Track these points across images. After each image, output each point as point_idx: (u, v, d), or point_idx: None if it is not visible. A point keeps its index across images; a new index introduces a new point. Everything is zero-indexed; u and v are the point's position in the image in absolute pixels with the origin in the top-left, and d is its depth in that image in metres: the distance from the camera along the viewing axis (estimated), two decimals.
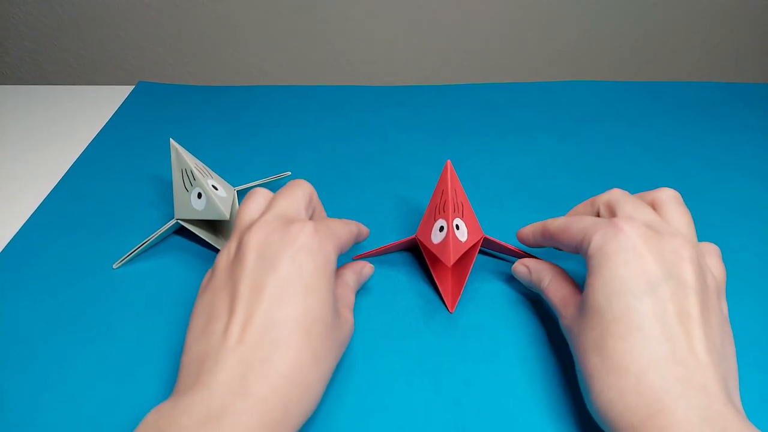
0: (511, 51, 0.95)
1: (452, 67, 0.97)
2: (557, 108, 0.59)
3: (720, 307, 0.28)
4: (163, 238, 0.40)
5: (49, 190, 0.47)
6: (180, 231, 0.42)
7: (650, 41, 0.95)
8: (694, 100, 0.60)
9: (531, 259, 0.36)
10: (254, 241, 0.27)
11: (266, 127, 0.55)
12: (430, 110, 0.59)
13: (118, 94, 0.62)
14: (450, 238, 0.33)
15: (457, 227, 0.35)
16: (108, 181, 0.48)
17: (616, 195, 0.31)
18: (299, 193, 0.31)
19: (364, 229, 0.35)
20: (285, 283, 0.26)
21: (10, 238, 0.41)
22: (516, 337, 0.34)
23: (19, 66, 0.96)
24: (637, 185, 0.47)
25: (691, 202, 0.45)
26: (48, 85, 0.65)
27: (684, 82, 0.64)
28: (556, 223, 0.32)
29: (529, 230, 0.35)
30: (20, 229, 0.42)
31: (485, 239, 0.37)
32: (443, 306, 0.36)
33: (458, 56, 0.96)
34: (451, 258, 0.33)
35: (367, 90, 0.62)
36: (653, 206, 0.31)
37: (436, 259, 0.37)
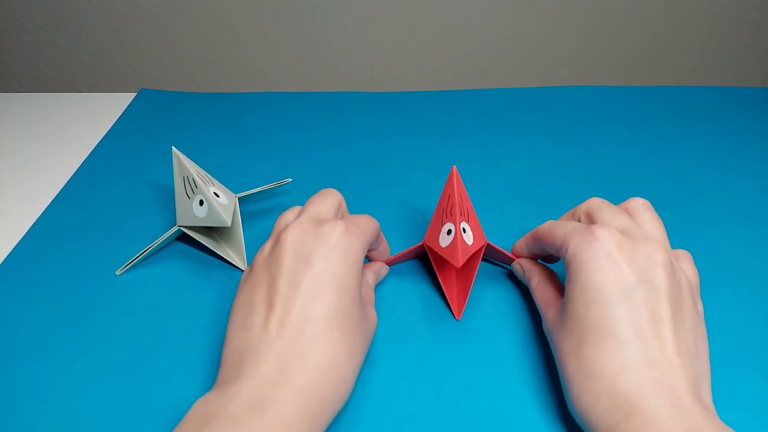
0: (511, 56, 0.96)
1: (452, 73, 0.97)
2: (557, 113, 0.59)
3: (695, 307, 0.29)
4: (165, 244, 0.41)
5: (53, 198, 0.47)
6: (182, 238, 0.42)
7: (649, 46, 0.95)
8: (692, 105, 0.61)
9: (526, 259, 0.37)
10: (290, 240, 0.29)
11: (267, 134, 0.56)
12: (430, 116, 0.59)
13: (120, 101, 0.62)
14: (458, 239, 0.34)
15: (464, 230, 0.35)
16: (110, 188, 0.48)
17: (595, 203, 0.33)
18: (330, 198, 0.33)
19: (382, 234, 0.37)
20: (319, 280, 0.27)
21: (14, 246, 0.42)
22: (518, 343, 0.34)
23: (21, 74, 0.97)
24: (636, 190, 0.47)
25: (690, 205, 0.46)
26: (50, 92, 0.65)
27: (682, 87, 0.64)
28: (542, 227, 0.34)
29: (522, 240, 0.37)
30: (24, 237, 0.42)
31: (488, 246, 0.37)
32: (447, 311, 0.36)
33: (458, 61, 0.96)
34: (459, 259, 0.33)
35: (367, 96, 0.63)
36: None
37: (442, 266, 0.38)
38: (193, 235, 0.39)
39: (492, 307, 0.37)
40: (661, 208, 0.45)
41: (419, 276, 0.39)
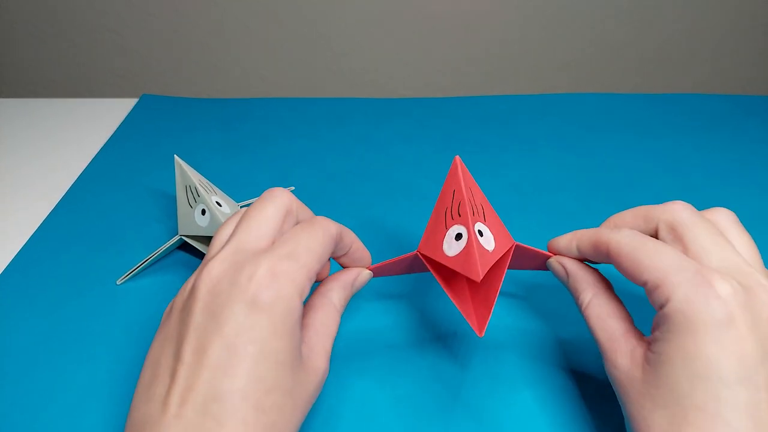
0: (515, 63, 0.95)
1: (456, 79, 0.97)
2: (563, 120, 0.59)
3: None
4: (167, 253, 0.40)
5: (54, 205, 0.47)
6: (184, 247, 0.42)
7: (656, 53, 0.95)
8: (700, 113, 0.60)
9: (573, 260, 0.30)
10: (203, 288, 0.23)
11: (269, 140, 0.55)
12: (433, 122, 0.59)
13: (122, 106, 0.62)
14: (474, 245, 0.27)
15: (481, 233, 0.28)
16: (112, 195, 0.48)
17: (684, 216, 0.26)
18: (269, 211, 0.26)
19: (349, 235, 0.29)
20: (232, 347, 0.22)
21: (14, 254, 0.41)
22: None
23: (21, 78, 0.96)
24: (644, 198, 0.47)
25: None
26: (51, 98, 0.65)
27: (690, 94, 0.64)
28: (620, 241, 0.26)
29: (571, 238, 0.29)
30: (24, 245, 0.42)
31: (517, 248, 0.31)
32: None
33: (462, 67, 0.96)
34: (479, 270, 0.26)
35: (370, 102, 0.62)
36: None
37: (451, 277, 0.31)
38: (195, 245, 0.38)
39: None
40: None
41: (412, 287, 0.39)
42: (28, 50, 0.93)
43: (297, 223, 0.27)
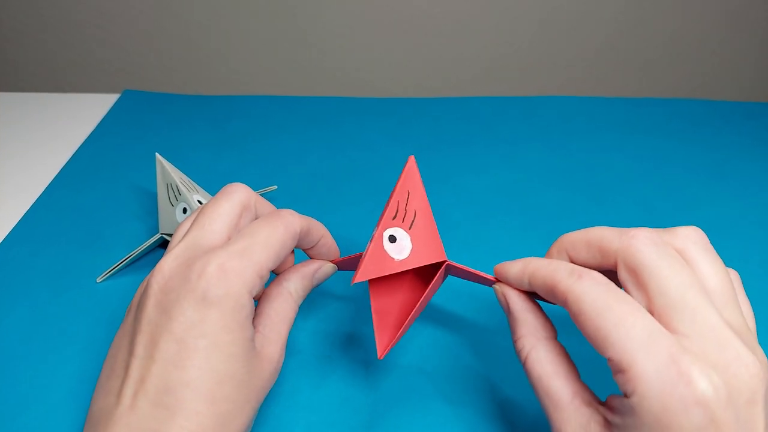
0: (502, 65, 0.96)
1: (443, 79, 0.97)
2: (548, 122, 0.59)
3: None
4: (147, 251, 0.40)
5: (33, 201, 0.46)
6: (164, 245, 0.41)
7: (639, 58, 0.96)
8: (683, 117, 0.61)
9: (515, 293, 0.26)
10: (155, 285, 0.23)
11: (253, 138, 0.55)
12: (419, 123, 0.59)
13: (104, 102, 0.61)
14: (370, 248, 0.26)
15: (392, 239, 0.27)
16: (92, 192, 0.47)
17: (646, 257, 0.22)
18: (224, 207, 0.26)
19: (317, 228, 0.29)
20: (182, 341, 0.22)
21: None
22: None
23: (3, 73, 0.95)
24: (627, 201, 0.47)
25: (679, 218, 0.46)
26: (30, 92, 0.64)
27: (673, 99, 0.64)
28: (582, 297, 0.22)
29: (521, 268, 0.26)
30: (2, 241, 0.41)
31: (450, 267, 0.29)
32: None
33: (449, 68, 0.96)
34: (357, 274, 0.26)
35: (356, 101, 0.62)
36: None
37: (376, 286, 0.30)
38: None
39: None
40: (651, 220, 0.45)
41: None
42: (7, 44, 0.91)
43: (256, 218, 0.27)
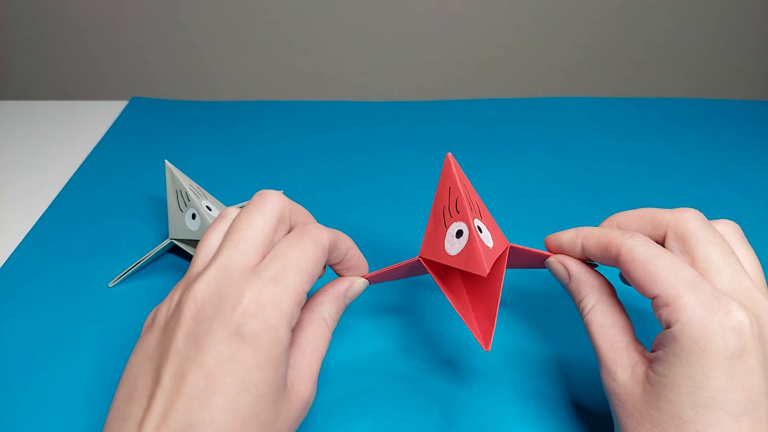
0: (503, 67, 0.96)
1: (444, 82, 0.98)
2: (549, 124, 0.60)
3: None
4: (157, 257, 0.41)
5: (45, 208, 0.47)
6: (174, 250, 0.42)
7: (640, 58, 0.96)
8: (682, 117, 0.61)
9: (575, 261, 0.28)
10: (187, 312, 0.22)
11: (258, 143, 0.56)
12: (421, 126, 0.59)
13: (112, 109, 0.62)
14: (476, 239, 0.26)
15: (480, 229, 0.27)
16: (103, 198, 0.48)
17: (695, 228, 0.25)
18: (259, 223, 0.24)
19: (344, 242, 0.28)
20: (211, 377, 0.21)
21: (6, 258, 0.42)
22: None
23: (9, 80, 0.96)
24: (626, 202, 0.48)
25: None
26: (40, 100, 0.65)
27: (673, 99, 0.65)
28: (634, 247, 0.25)
29: (573, 235, 0.28)
30: (16, 248, 0.42)
31: (512, 249, 0.30)
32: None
33: (450, 71, 0.97)
34: (485, 265, 0.25)
35: (359, 105, 0.63)
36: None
37: (451, 284, 0.31)
38: (185, 248, 0.39)
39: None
40: None
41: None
42: (17, 53, 0.93)
43: (290, 229, 0.26)
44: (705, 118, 0.61)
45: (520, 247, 0.29)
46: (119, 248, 0.42)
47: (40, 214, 0.46)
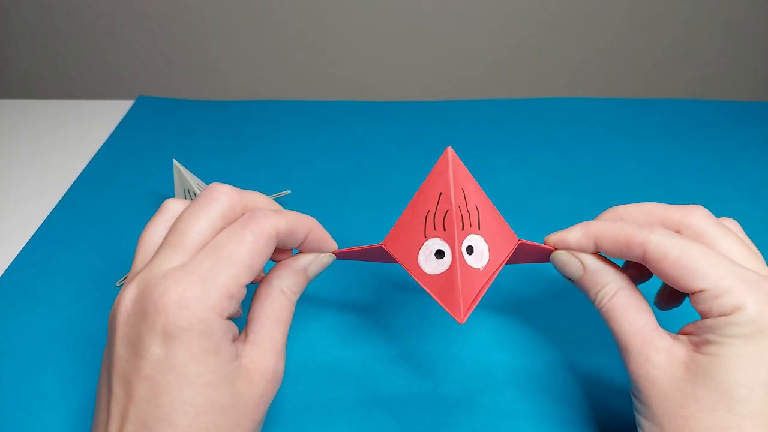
0: (509, 67, 0.96)
1: (451, 82, 0.98)
2: (555, 124, 0.60)
3: None
4: None
5: (52, 207, 0.47)
6: None
7: (646, 59, 0.96)
8: (688, 118, 0.61)
9: (585, 253, 0.27)
10: (119, 318, 0.22)
11: (265, 142, 0.56)
12: (427, 126, 0.59)
13: (118, 108, 0.63)
14: (457, 275, 0.23)
15: (470, 250, 0.24)
16: (110, 197, 0.48)
17: (709, 224, 0.25)
18: (201, 224, 0.24)
19: (302, 225, 0.26)
20: (151, 378, 0.21)
21: (13, 257, 0.42)
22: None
23: (16, 80, 0.97)
24: (633, 201, 0.48)
25: None
26: (46, 99, 0.65)
27: (679, 100, 0.65)
28: (663, 243, 0.24)
29: (582, 235, 0.27)
30: (23, 247, 0.43)
31: (521, 246, 0.27)
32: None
33: (455, 72, 0.97)
34: (461, 309, 0.23)
35: (365, 105, 0.63)
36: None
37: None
38: None
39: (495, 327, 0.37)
40: None
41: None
42: (23, 51, 0.93)
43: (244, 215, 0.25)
44: (711, 118, 0.61)
45: (530, 243, 0.27)
46: (126, 247, 0.42)
47: (48, 214, 0.46)
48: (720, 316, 0.22)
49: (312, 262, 0.27)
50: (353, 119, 0.60)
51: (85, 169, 0.52)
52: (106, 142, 0.56)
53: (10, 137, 0.57)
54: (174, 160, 0.39)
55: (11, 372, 0.33)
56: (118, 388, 0.22)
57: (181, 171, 0.38)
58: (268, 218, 0.24)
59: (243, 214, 0.25)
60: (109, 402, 0.22)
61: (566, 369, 0.33)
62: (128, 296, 0.22)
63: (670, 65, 0.97)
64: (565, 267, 0.28)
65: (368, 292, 0.38)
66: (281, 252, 0.27)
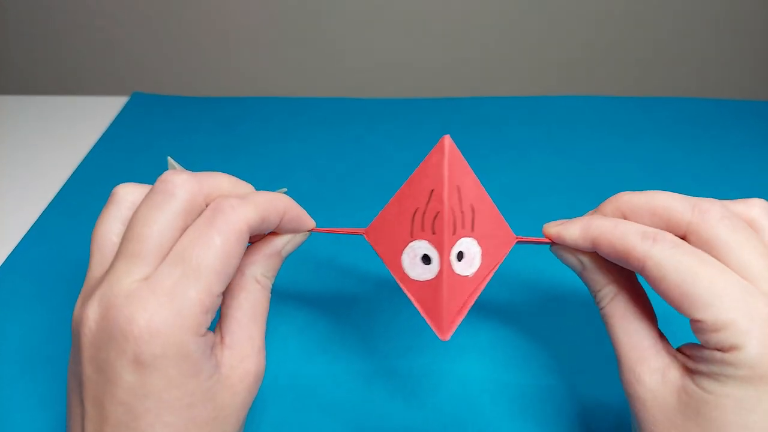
0: (507, 65, 0.96)
1: (448, 80, 0.98)
2: (554, 122, 0.59)
3: None
4: None
5: (46, 205, 0.47)
6: None
7: (645, 57, 0.96)
8: (688, 117, 0.61)
9: (587, 255, 0.25)
10: (83, 336, 0.21)
11: (262, 140, 0.56)
12: (425, 124, 0.59)
13: (113, 105, 0.62)
14: (443, 285, 0.21)
15: (460, 256, 0.22)
16: (104, 195, 0.47)
17: (722, 231, 0.22)
18: (160, 224, 0.21)
19: (274, 210, 0.23)
20: (126, 403, 0.20)
21: (6, 255, 0.41)
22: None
23: (9, 75, 0.96)
24: None
25: None
26: (40, 95, 0.65)
27: (679, 98, 0.65)
28: (663, 263, 0.21)
29: (581, 233, 0.25)
30: (17, 246, 0.42)
31: (518, 244, 0.26)
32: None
33: (453, 69, 0.96)
34: (443, 326, 0.21)
35: (363, 102, 0.63)
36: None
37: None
38: None
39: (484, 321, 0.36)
40: None
41: None
42: (17, 47, 0.92)
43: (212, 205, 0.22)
44: (711, 117, 0.61)
45: (527, 240, 0.26)
46: None
47: (41, 211, 0.46)
48: (717, 350, 0.20)
49: (287, 243, 0.25)
50: (351, 116, 0.60)
51: (78, 166, 0.51)
52: (100, 139, 0.56)
53: (2, 134, 0.57)
54: (168, 157, 0.38)
55: (6, 372, 0.33)
56: (90, 408, 0.20)
57: (175, 168, 0.38)
58: (236, 211, 0.21)
59: (206, 205, 0.22)
60: (82, 418, 0.21)
61: (562, 387, 0.33)
62: (91, 316, 0.20)
63: (669, 64, 0.97)
64: (564, 262, 0.26)
65: (349, 287, 0.38)
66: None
